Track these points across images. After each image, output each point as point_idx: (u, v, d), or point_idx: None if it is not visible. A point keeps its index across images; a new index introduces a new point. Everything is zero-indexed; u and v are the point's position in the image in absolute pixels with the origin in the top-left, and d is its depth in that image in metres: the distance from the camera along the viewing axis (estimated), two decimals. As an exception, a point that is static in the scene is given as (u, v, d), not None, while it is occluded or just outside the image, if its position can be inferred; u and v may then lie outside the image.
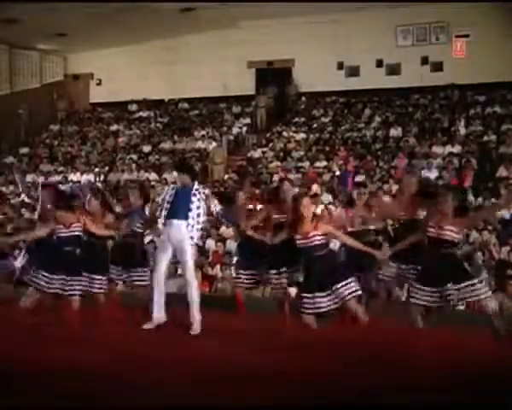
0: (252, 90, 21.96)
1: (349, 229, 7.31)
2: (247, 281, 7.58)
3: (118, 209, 8.09)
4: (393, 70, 20.52)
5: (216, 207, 7.08)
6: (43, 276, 7.17)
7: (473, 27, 19.00)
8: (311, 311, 6.48)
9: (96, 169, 19.16)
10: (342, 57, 20.91)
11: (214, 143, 19.59)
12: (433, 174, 15.29)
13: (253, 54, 21.29)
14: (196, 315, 6.58)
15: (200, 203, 6.78)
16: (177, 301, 6.86)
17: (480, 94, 18.83)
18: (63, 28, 20.04)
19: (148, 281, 7.32)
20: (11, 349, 5.69)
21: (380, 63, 20.63)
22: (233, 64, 21.39)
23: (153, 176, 18.02)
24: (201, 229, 7.04)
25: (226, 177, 17.52)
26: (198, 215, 6.74)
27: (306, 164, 17.23)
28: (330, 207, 12.83)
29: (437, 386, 4.77)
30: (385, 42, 20.19)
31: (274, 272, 7.19)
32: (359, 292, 6.54)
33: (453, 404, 4.49)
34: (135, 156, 19.70)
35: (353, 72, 21.00)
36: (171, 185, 7.47)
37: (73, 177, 18.81)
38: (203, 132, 20.34)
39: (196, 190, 6.83)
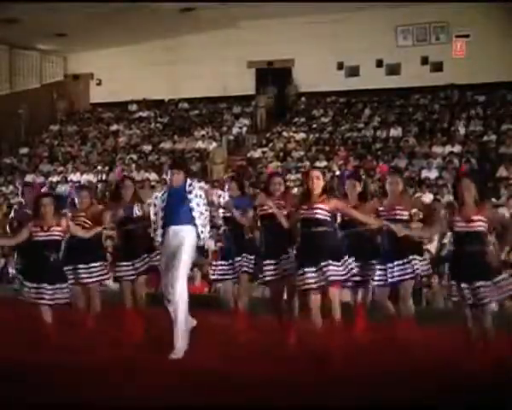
0: (252, 90, 21.95)
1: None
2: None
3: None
4: (393, 70, 20.50)
5: (222, 197, 6.51)
6: (26, 286, 6.68)
7: (473, 27, 18.99)
8: (301, 287, 6.05)
9: (99, 167, 19.17)
10: (342, 57, 20.89)
11: (214, 143, 19.59)
12: (433, 174, 15.29)
13: (252, 54, 21.28)
14: (180, 338, 6.02)
15: (200, 200, 6.23)
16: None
17: (480, 94, 18.81)
18: (63, 28, 20.03)
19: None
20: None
21: (380, 63, 20.62)
22: (233, 64, 21.38)
23: (153, 176, 18.01)
24: (210, 226, 6.57)
25: (226, 177, 17.50)
26: (201, 213, 6.23)
27: (306, 164, 17.21)
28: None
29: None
30: (385, 42, 20.18)
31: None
32: (343, 278, 6.02)
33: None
34: (135, 156, 19.69)
35: (353, 72, 20.98)
36: (157, 193, 6.55)
37: (73, 177, 18.80)
38: (203, 132, 20.33)
39: (190, 185, 6.28)
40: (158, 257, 6.81)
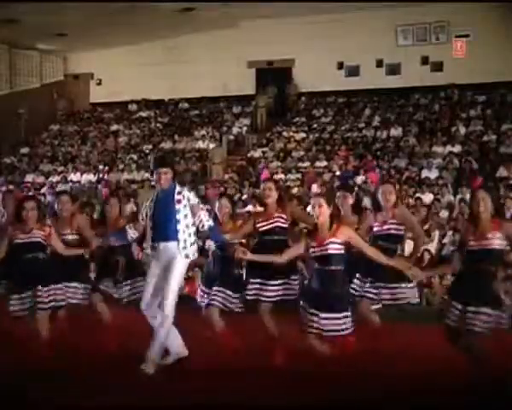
0: (252, 90, 21.94)
1: None
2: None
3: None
4: (393, 70, 20.49)
5: (206, 221, 5.89)
6: (15, 298, 6.16)
7: (473, 27, 18.99)
8: (313, 330, 5.54)
9: (100, 166, 19.17)
10: (342, 57, 20.89)
11: (214, 143, 19.59)
12: (433, 174, 15.28)
13: (253, 54, 21.27)
14: (153, 353, 5.64)
15: (187, 211, 5.78)
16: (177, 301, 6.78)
17: (480, 94, 18.81)
18: (63, 28, 20.02)
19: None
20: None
21: (380, 63, 20.61)
22: (233, 64, 21.37)
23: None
24: (195, 242, 5.89)
25: (226, 177, 17.51)
26: (187, 226, 5.76)
27: (306, 164, 17.22)
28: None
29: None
30: (385, 42, 20.17)
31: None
32: (343, 333, 5.50)
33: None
34: (135, 156, 19.69)
35: (353, 71, 20.98)
36: (146, 203, 6.05)
37: (73, 177, 18.80)
38: (203, 132, 20.33)
39: (179, 193, 5.80)
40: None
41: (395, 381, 5.14)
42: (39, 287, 6.09)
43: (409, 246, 6.78)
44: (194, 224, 5.81)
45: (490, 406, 4.66)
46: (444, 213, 12.84)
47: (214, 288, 6.35)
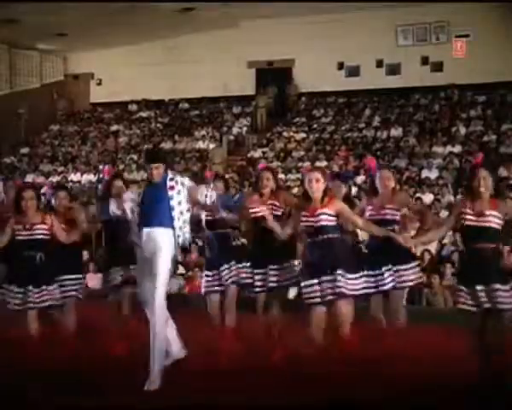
0: (252, 90, 21.93)
1: None
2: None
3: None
4: (394, 70, 20.48)
5: (209, 196, 5.71)
6: (11, 292, 6.06)
7: (473, 27, 18.98)
8: (318, 299, 5.50)
9: (101, 167, 19.14)
10: (342, 57, 20.87)
11: (214, 144, 19.59)
12: (433, 174, 15.28)
13: (253, 54, 21.26)
14: (156, 366, 5.28)
15: (181, 197, 5.48)
16: (177, 301, 6.80)
17: (480, 94, 18.80)
18: (63, 28, 20.01)
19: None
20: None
21: (380, 63, 20.60)
22: (233, 64, 21.36)
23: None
24: (190, 229, 5.63)
25: (226, 177, 17.46)
26: (181, 213, 5.48)
27: (307, 164, 17.21)
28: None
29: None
30: (385, 42, 20.15)
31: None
32: (356, 293, 5.58)
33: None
34: (135, 156, 19.69)
35: (353, 72, 20.97)
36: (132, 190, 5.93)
37: (74, 177, 18.80)
38: (203, 132, 20.32)
39: (171, 179, 5.51)
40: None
41: (395, 381, 5.13)
42: (30, 287, 5.97)
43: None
44: (188, 210, 5.55)
45: (490, 406, 4.65)
46: (444, 214, 12.82)
47: (222, 268, 6.34)
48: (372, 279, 5.91)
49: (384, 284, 5.89)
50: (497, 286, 4.91)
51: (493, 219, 5.03)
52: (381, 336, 5.95)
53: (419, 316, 6.57)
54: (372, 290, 5.92)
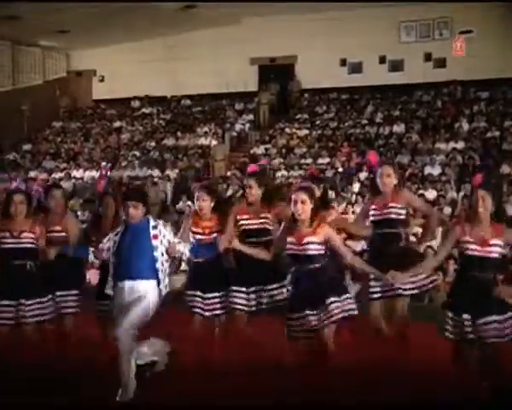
0: (254, 86, 21.92)
1: None
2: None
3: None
4: (396, 66, 20.47)
5: (183, 249, 5.36)
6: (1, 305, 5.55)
7: (476, 23, 18.94)
8: (301, 334, 5.19)
9: (103, 163, 19.14)
10: (345, 54, 20.87)
11: (217, 140, 19.58)
12: (436, 171, 15.26)
13: (255, 50, 21.24)
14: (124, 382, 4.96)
15: (163, 247, 5.15)
16: (177, 301, 6.75)
17: (483, 90, 18.77)
18: (66, 25, 20.00)
19: None
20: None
21: (383, 60, 20.59)
22: (235, 61, 21.34)
23: (156, 172, 18.01)
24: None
25: (229, 173, 17.49)
26: (163, 264, 5.15)
27: (309, 161, 17.21)
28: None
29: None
30: (388, 38, 20.12)
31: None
32: (353, 313, 5.16)
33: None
34: (138, 153, 19.69)
35: (356, 68, 20.95)
36: (110, 235, 5.36)
37: (76, 173, 18.81)
38: (206, 129, 20.32)
39: (155, 227, 5.17)
40: None
41: (395, 380, 5.12)
42: (22, 300, 5.51)
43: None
44: (167, 260, 5.22)
45: (490, 406, 4.65)
46: (447, 210, 12.82)
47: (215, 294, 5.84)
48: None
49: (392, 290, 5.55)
50: (494, 318, 4.70)
51: (496, 249, 4.79)
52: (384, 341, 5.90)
53: (421, 313, 6.54)
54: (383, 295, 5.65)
